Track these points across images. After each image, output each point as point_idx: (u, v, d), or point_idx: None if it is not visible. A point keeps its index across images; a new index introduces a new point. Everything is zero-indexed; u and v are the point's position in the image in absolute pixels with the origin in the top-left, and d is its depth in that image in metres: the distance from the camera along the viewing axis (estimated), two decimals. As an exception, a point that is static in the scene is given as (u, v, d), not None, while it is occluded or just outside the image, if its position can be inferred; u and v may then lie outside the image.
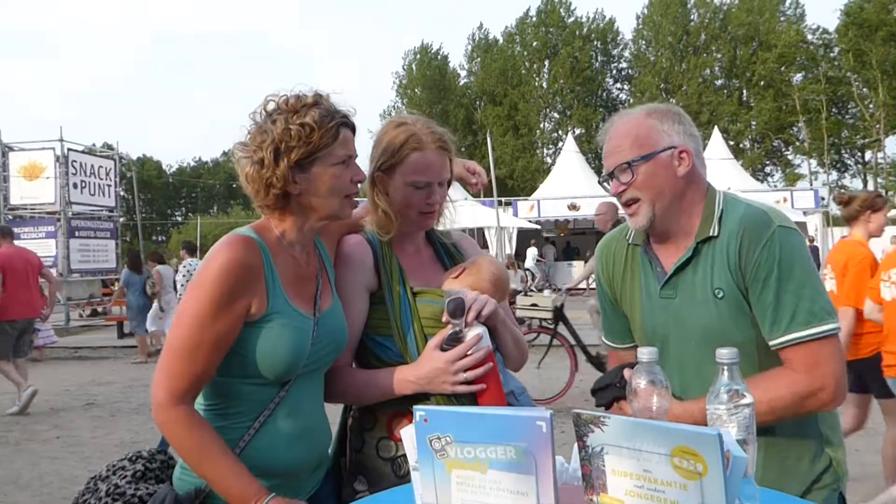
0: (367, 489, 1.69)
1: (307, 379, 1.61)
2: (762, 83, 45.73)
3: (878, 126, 41.82)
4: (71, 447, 6.21)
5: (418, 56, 55.10)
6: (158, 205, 74.34)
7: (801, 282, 1.57)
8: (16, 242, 8.45)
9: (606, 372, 1.79)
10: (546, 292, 8.73)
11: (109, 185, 18.62)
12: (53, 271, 16.16)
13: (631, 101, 50.48)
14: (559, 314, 7.62)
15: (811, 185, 39.88)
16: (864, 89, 42.71)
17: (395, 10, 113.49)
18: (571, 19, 52.56)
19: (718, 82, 48.82)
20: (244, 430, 1.55)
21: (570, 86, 50.75)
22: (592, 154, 37.17)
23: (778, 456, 1.64)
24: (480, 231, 20.96)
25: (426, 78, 53.78)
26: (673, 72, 47.85)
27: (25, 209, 17.52)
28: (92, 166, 18.00)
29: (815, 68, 44.15)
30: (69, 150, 17.18)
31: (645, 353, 1.23)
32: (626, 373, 1.60)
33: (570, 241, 26.13)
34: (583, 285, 9.53)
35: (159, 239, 70.90)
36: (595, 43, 52.62)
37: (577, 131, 47.16)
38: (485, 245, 19.94)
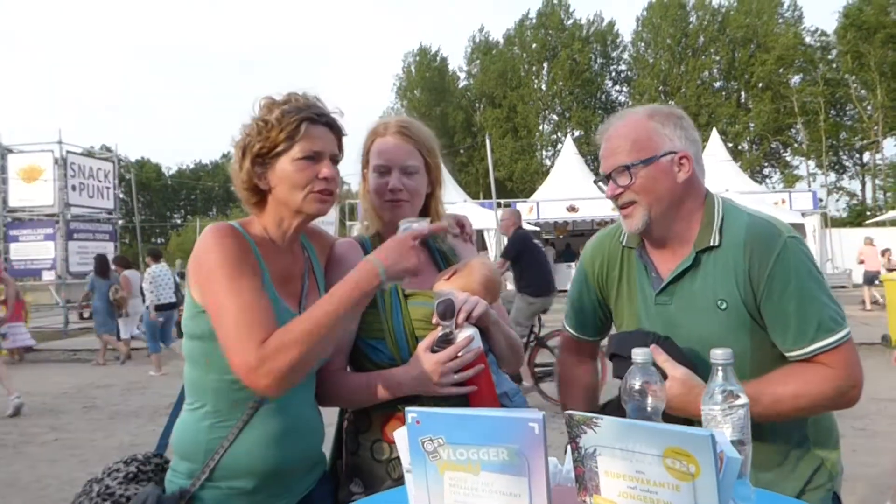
0: (362, 491, 1.68)
1: None
2: (760, 85, 45.79)
3: (876, 128, 41.85)
4: (69, 450, 6.20)
5: (417, 58, 55.17)
6: (157, 207, 74.29)
7: (819, 290, 1.57)
8: (15, 245, 8.44)
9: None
10: None
11: (108, 188, 18.60)
12: (52, 273, 16.21)
13: (630, 102, 50.50)
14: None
15: (809, 186, 39.82)
16: (863, 91, 42.76)
17: (394, 13, 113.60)
18: (571, 21, 52.64)
19: (717, 84, 48.91)
20: (228, 428, 1.55)
21: (569, 88, 50.81)
22: (591, 156, 37.10)
23: (760, 458, 1.63)
24: (479, 233, 20.95)
25: (425, 80, 53.84)
26: (672, 74, 47.92)
27: (24, 211, 17.48)
28: (91, 169, 17.99)
29: (814, 70, 44.22)
30: (68, 152, 17.16)
31: (639, 354, 1.22)
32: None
33: (569, 242, 26.13)
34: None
35: (158, 241, 70.76)
36: (594, 45, 52.70)
37: (576, 133, 47.22)
38: (483, 247, 19.94)
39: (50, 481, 5.27)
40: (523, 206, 23.91)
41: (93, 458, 5.80)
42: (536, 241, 7.78)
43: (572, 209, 23.02)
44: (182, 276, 12.43)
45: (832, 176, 46.53)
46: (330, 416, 1.79)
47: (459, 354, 1.58)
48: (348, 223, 22.75)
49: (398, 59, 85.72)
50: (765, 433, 1.59)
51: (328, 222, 13.26)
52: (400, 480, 1.53)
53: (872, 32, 39.35)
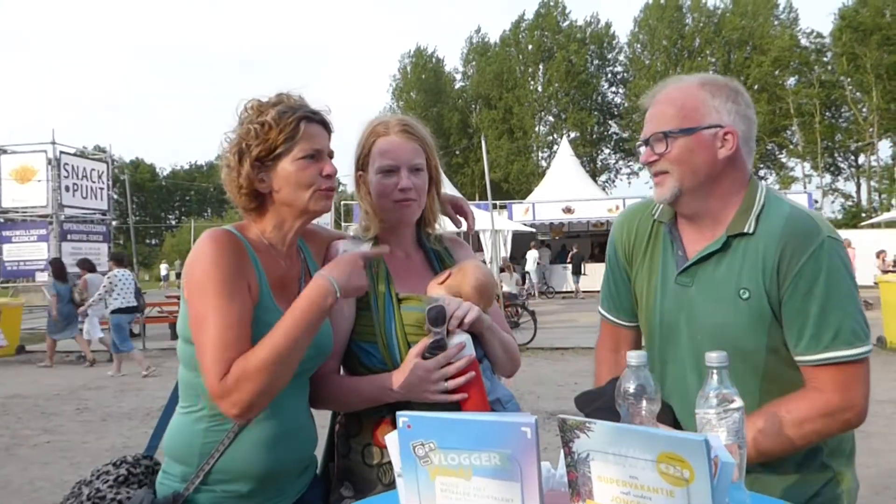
0: (353, 495, 1.67)
1: (289, 382, 1.59)
2: (756, 87, 45.89)
3: (871, 130, 42.03)
4: (62, 452, 6.17)
5: (414, 59, 55.19)
6: (152, 208, 74.26)
7: (848, 298, 1.48)
8: (8, 246, 8.43)
9: (598, 387, 1.68)
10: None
11: (102, 189, 18.57)
12: (46, 275, 16.14)
13: (626, 104, 50.66)
14: None
15: (805, 188, 39.98)
16: (858, 93, 42.91)
17: (392, 14, 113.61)
18: (567, 23, 52.73)
19: (713, 86, 48.98)
20: (223, 432, 1.53)
21: (565, 89, 50.93)
22: (587, 157, 37.24)
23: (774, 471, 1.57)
24: (475, 234, 20.96)
25: (421, 81, 53.89)
26: (668, 75, 47.28)
27: (17, 212, 17.44)
28: (84, 169, 17.95)
29: (809, 72, 44.38)
30: (61, 152, 17.14)
31: (634, 357, 1.20)
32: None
33: (564, 244, 26.16)
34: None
35: (152, 242, 70.77)
36: (590, 46, 52.79)
37: (572, 135, 47.32)
38: (479, 248, 19.94)
39: (42, 483, 5.24)
40: (519, 208, 23.94)
41: (85, 461, 5.76)
42: None
43: (568, 210, 23.05)
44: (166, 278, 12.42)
45: (827, 178, 46.76)
46: (322, 418, 1.77)
47: (452, 361, 1.56)
48: (343, 224, 22.72)
49: (395, 60, 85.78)
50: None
51: (322, 223, 13.23)
52: (391, 485, 1.51)
53: (868, 34, 39.51)
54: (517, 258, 23.61)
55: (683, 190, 1.57)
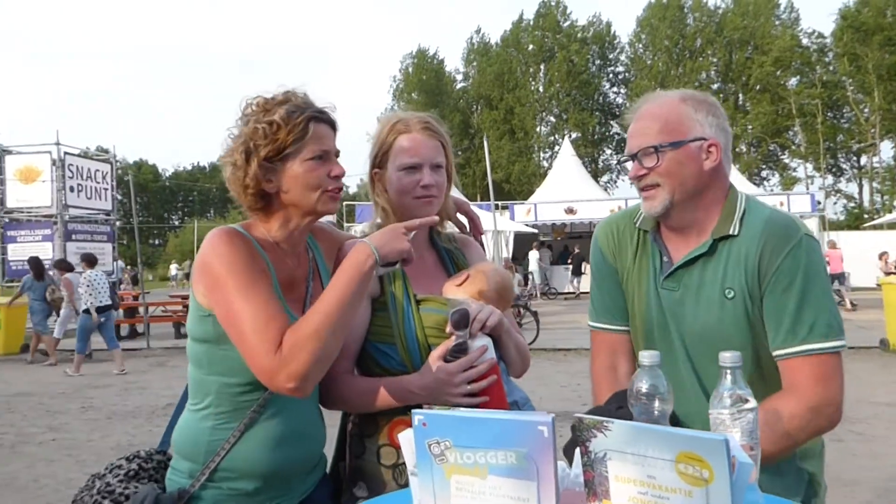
0: (367, 495, 1.66)
1: None
2: (758, 87, 45.90)
3: (873, 130, 41.94)
4: (67, 450, 6.16)
5: (415, 60, 55.13)
6: (155, 208, 74.30)
7: (823, 294, 1.55)
8: (13, 246, 8.48)
9: (598, 406, 1.67)
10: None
11: (106, 189, 18.56)
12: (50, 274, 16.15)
13: (627, 104, 50.55)
14: None
15: (807, 188, 39.89)
16: (860, 94, 42.83)
17: (392, 14, 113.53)
18: (567, 23, 52.67)
19: (714, 86, 48.95)
20: (230, 430, 1.54)
21: (566, 90, 50.86)
22: (589, 158, 37.17)
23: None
24: (477, 234, 20.90)
25: (422, 82, 53.82)
26: (669, 75, 47.95)
27: (22, 212, 17.45)
28: (88, 170, 17.96)
29: (811, 72, 44.29)
30: (65, 153, 17.14)
31: (646, 357, 1.21)
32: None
33: (567, 244, 26.12)
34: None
35: (156, 242, 70.82)
36: (592, 46, 52.73)
37: (574, 135, 47.25)
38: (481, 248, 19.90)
39: (47, 481, 5.24)
40: (521, 209, 23.90)
41: (90, 459, 5.76)
42: None
43: (570, 211, 22.99)
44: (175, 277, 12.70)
45: (830, 178, 46.69)
46: (332, 418, 1.77)
47: (474, 365, 1.56)
48: (345, 224, 22.72)
49: (395, 61, 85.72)
50: None
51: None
52: (407, 486, 1.51)
53: (870, 34, 39.43)
54: (519, 259, 23.58)
55: (674, 202, 1.63)
